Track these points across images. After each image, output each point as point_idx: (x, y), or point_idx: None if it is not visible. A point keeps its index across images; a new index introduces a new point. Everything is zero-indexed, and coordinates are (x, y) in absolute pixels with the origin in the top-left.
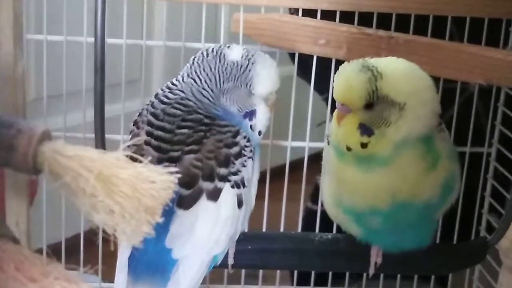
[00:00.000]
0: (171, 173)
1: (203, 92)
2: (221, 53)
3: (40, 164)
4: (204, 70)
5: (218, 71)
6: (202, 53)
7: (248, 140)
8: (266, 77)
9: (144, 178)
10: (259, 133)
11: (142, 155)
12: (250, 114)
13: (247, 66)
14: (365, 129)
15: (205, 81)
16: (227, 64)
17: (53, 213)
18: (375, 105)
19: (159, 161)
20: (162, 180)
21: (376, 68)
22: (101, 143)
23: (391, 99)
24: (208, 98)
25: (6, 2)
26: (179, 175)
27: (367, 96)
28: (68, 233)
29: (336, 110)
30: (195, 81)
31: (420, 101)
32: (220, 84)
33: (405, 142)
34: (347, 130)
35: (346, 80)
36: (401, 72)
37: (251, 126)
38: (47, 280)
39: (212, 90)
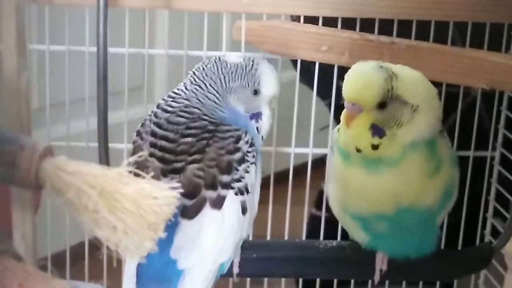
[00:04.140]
0: (174, 188)
1: (209, 95)
2: (220, 59)
3: (42, 180)
4: (207, 75)
5: (223, 73)
6: (201, 64)
7: (251, 145)
8: (272, 77)
9: (146, 194)
10: (261, 138)
11: (147, 167)
12: (257, 116)
13: (252, 66)
14: (377, 130)
15: (210, 85)
16: (230, 65)
17: (58, 220)
18: (388, 104)
19: (163, 173)
20: (164, 195)
21: (391, 68)
22: (104, 152)
23: (404, 99)
24: (214, 101)
25: (9, 13)
26: (181, 190)
27: (382, 95)
28: (73, 241)
29: (345, 110)
30: (200, 87)
31: (430, 105)
32: (226, 84)
33: (413, 145)
34: (358, 131)
35: (363, 78)
36: (414, 76)
37: (257, 128)
38: None
39: (218, 92)
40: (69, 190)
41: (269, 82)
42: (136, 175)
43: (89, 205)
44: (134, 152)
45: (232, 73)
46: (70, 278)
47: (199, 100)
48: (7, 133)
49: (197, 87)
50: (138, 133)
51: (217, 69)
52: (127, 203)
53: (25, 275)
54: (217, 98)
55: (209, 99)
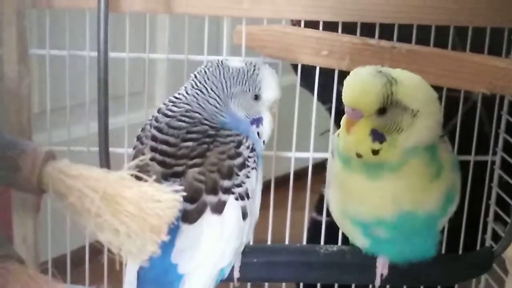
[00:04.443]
0: (176, 191)
1: (210, 100)
2: (222, 63)
3: (44, 184)
4: (209, 79)
5: (224, 77)
6: (203, 67)
7: (252, 150)
8: (273, 82)
9: (149, 197)
10: (263, 142)
11: (147, 171)
12: (257, 121)
13: (253, 71)
14: (377, 135)
15: (211, 89)
16: (232, 70)
17: (58, 224)
18: (388, 110)
19: (164, 177)
20: (167, 198)
21: (390, 74)
22: (105, 156)
23: (404, 104)
24: (215, 106)
25: (10, 19)
26: (184, 193)
27: (382, 100)
28: (74, 245)
29: (345, 116)
30: (201, 91)
31: (431, 110)
32: (227, 89)
33: (413, 150)
34: (358, 136)
35: (361, 84)
36: (414, 81)
37: (258, 133)
38: None
39: (219, 97)
40: (71, 194)
41: (270, 87)
42: (138, 178)
43: (91, 209)
44: (135, 157)
45: (233, 78)
46: (71, 283)
47: (200, 105)
48: (9, 137)
49: (198, 92)
50: (139, 138)
51: (219, 73)
52: (130, 206)
53: (28, 279)
54: (218, 103)
55: (210, 104)
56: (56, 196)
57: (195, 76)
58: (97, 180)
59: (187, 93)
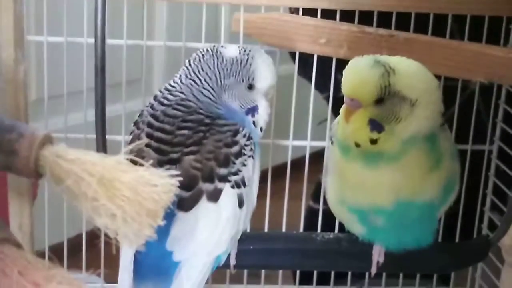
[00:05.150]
0: (172, 176)
1: (204, 91)
2: (217, 51)
3: (41, 168)
4: (203, 70)
5: (218, 69)
6: (197, 54)
7: (249, 139)
8: (267, 70)
9: (145, 182)
10: (260, 129)
11: (143, 157)
12: (252, 110)
13: (247, 61)
14: (375, 125)
15: (205, 80)
16: (226, 60)
17: (55, 212)
18: (386, 100)
19: (159, 163)
20: (163, 183)
21: (389, 63)
22: (102, 144)
23: (403, 94)
24: (209, 98)
25: (7, 5)
26: (180, 178)
27: (379, 91)
28: (70, 233)
29: (344, 105)
30: (194, 82)
31: (430, 99)
32: (221, 81)
33: (412, 140)
34: (357, 126)
35: (358, 75)
36: (413, 70)
37: (253, 122)
38: (50, 285)
39: (213, 89)
40: (68, 177)
41: (264, 76)
42: (134, 163)
43: (88, 193)
44: (131, 141)
45: (227, 69)
46: (68, 270)
47: (194, 95)
48: (6, 120)
49: (192, 82)
50: (136, 123)
51: (213, 63)
52: (126, 191)
53: (25, 263)
54: (212, 95)
55: (204, 95)
56: (53, 180)
57: (189, 64)
58: (94, 164)
59: (181, 82)
